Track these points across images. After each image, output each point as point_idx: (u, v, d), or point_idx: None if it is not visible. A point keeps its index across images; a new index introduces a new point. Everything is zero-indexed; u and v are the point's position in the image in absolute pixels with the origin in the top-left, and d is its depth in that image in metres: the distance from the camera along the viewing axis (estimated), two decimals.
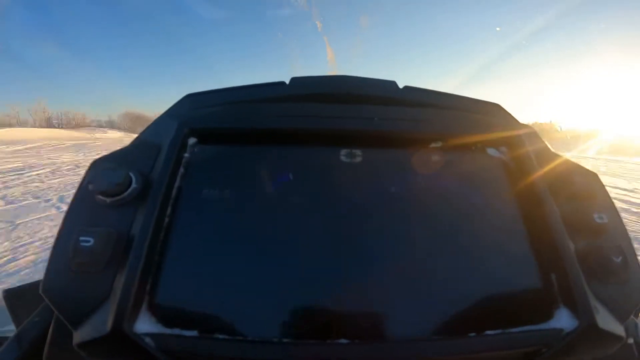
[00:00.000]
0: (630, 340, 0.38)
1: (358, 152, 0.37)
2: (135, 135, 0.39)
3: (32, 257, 2.29)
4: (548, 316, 0.30)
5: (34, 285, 0.44)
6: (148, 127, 0.38)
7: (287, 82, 0.41)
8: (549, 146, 0.38)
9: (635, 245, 0.34)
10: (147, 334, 0.27)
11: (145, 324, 0.28)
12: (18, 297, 0.43)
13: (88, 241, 0.29)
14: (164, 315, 0.29)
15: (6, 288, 0.44)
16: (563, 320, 0.29)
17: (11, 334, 0.46)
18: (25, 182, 4.97)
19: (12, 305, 0.43)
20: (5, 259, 2.28)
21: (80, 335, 0.28)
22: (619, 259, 0.31)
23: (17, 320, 0.43)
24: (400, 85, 0.42)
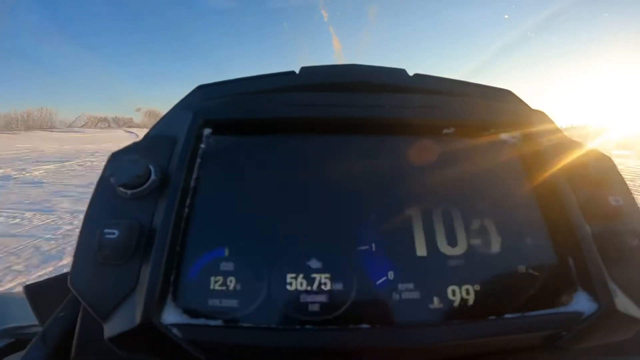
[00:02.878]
0: None
1: (370, 139, 0.38)
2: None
3: None
4: (567, 300, 0.30)
5: (55, 280, 0.45)
6: (162, 120, 0.39)
7: (297, 71, 0.42)
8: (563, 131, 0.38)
9: None
10: (174, 325, 0.28)
11: (171, 315, 0.29)
12: (40, 292, 0.44)
13: (113, 233, 0.29)
14: (189, 306, 0.29)
15: (27, 284, 0.45)
16: (582, 303, 0.30)
17: (33, 329, 0.47)
18: None
19: (34, 301, 0.44)
20: None
21: (110, 329, 0.28)
22: (636, 242, 0.31)
23: (39, 315, 0.43)
24: (410, 73, 0.42)
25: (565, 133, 0.39)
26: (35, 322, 0.45)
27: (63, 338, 0.36)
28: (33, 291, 0.44)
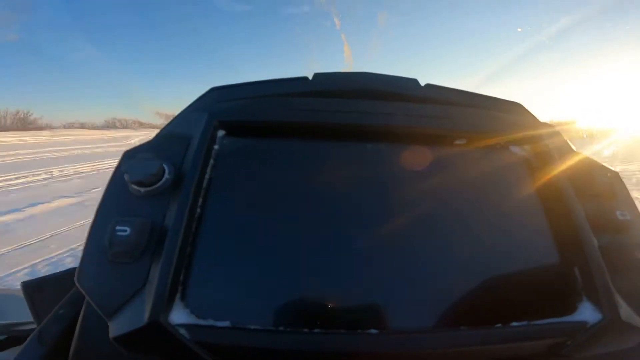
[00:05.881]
0: None
1: (381, 147, 0.38)
2: None
3: None
4: (572, 309, 0.31)
5: (53, 278, 0.44)
6: (175, 119, 0.38)
7: (310, 77, 0.42)
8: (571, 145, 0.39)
9: None
10: (182, 325, 0.28)
11: (179, 315, 0.28)
12: (37, 289, 0.43)
13: (125, 231, 0.29)
14: (197, 306, 0.29)
15: (25, 281, 0.44)
16: (587, 313, 0.30)
17: (28, 326, 0.46)
18: None
19: (31, 298, 0.43)
20: None
21: (116, 328, 0.28)
22: None
23: (36, 313, 0.42)
24: (422, 83, 0.43)
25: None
26: (31, 319, 0.44)
27: (62, 336, 0.35)
28: (31, 288, 0.43)
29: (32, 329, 0.41)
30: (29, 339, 0.36)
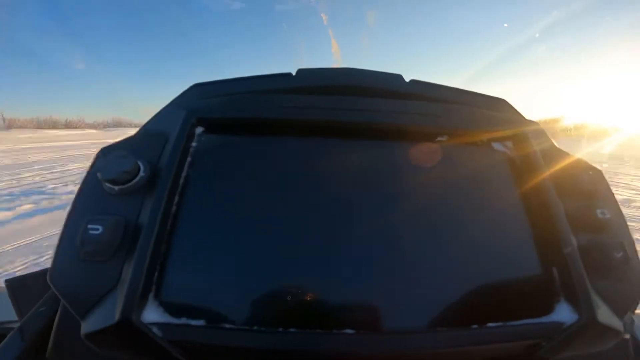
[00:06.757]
0: (627, 335, 0.39)
1: (363, 144, 0.37)
2: None
3: None
4: (549, 310, 0.30)
5: (37, 275, 0.44)
6: (154, 117, 0.38)
7: (294, 73, 0.41)
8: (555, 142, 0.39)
9: None
10: (154, 324, 0.28)
11: (152, 314, 0.28)
12: (21, 286, 0.43)
13: (97, 229, 0.29)
14: (171, 305, 0.29)
15: (8, 278, 0.44)
16: (563, 314, 0.30)
17: (13, 324, 0.46)
18: None
19: (15, 295, 0.43)
20: None
21: (87, 325, 0.28)
22: (620, 255, 0.32)
23: (20, 310, 0.42)
24: (407, 79, 0.42)
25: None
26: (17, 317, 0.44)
27: (41, 334, 0.35)
28: (14, 286, 0.43)
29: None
30: (9, 335, 0.36)
